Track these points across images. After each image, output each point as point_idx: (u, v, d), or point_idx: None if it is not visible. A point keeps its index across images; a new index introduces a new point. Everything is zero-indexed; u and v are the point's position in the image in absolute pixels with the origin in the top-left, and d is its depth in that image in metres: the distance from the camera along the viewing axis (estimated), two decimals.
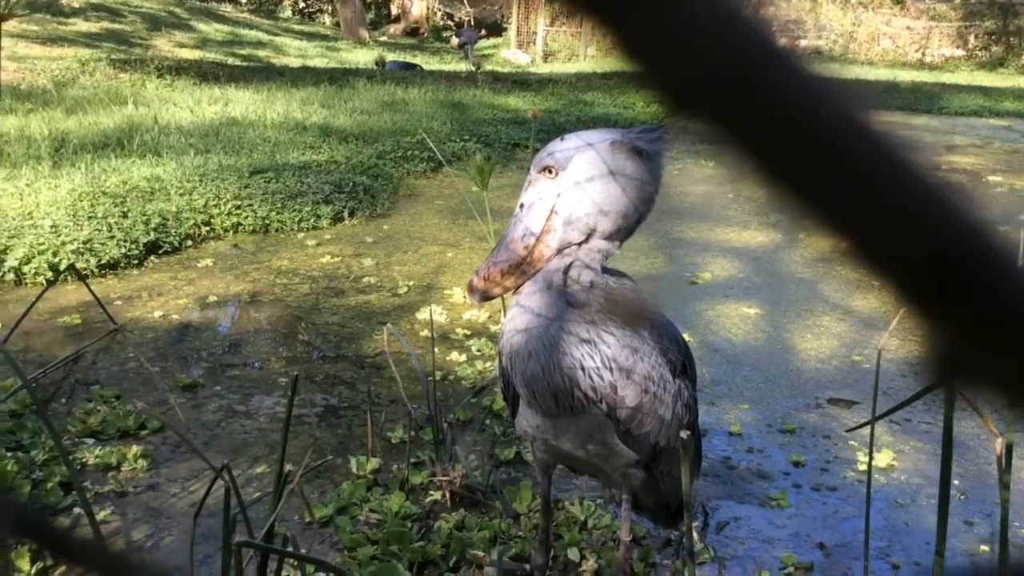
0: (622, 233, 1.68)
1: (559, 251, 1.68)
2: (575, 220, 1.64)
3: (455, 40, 23.18)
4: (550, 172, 1.66)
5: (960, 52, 24.94)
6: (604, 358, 1.68)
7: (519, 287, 1.73)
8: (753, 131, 0.24)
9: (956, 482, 3.00)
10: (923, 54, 24.98)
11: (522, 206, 1.70)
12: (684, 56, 0.23)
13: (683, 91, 0.24)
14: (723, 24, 0.23)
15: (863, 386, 3.75)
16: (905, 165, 0.24)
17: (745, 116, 0.24)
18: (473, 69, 16.02)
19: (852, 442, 3.27)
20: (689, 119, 0.24)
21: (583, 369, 1.67)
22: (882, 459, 3.13)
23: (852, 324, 4.51)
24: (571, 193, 1.64)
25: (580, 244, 1.67)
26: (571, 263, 1.69)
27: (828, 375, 3.89)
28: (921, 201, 0.24)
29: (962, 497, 2.93)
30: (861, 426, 3.11)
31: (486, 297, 1.74)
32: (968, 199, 0.25)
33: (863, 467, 3.08)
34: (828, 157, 0.24)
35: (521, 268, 1.69)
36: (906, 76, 18.83)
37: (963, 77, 20.72)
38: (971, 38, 25.00)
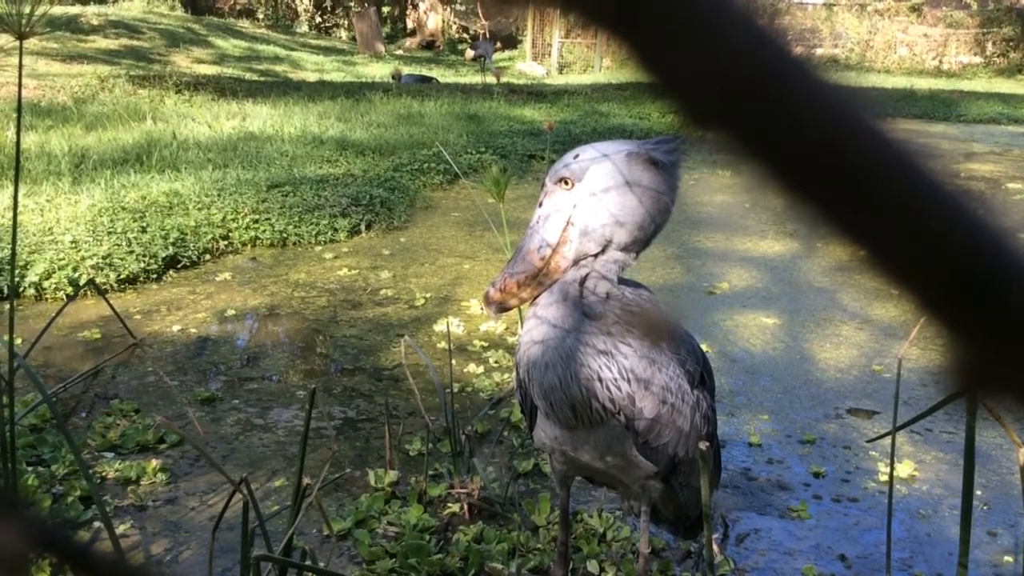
0: (638, 244, 1.68)
1: (575, 262, 1.68)
2: (591, 231, 1.64)
3: (470, 52, 23.26)
4: (566, 183, 1.66)
5: (978, 59, 24.79)
6: (622, 369, 1.67)
7: (536, 298, 1.73)
8: (769, 142, 0.24)
9: (979, 492, 2.97)
10: (940, 61, 24.85)
11: (538, 218, 1.70)
12: (699, 68, 0.23)
13: (698, 103, 0.24)
14: (738, 36, 0.23)
15: (883, 396, 3.72)
16: (923, 174, 0.24)
17: (761, 128, 0.24)
18: (496, 80, 16.06)
19: (873, 452, 3.25)
20: (705, 130, 0.24)
21: (600, 380, 1.67)
22: (903, 469, 3.11)
23: (872, 333, 4.48)
24: (587, 204, 1.64)
25: (596, 255, 1.67)
26: (587, 274, 1.69)
27: (848, 385, 3.86)
28: (939, 210, 0.24)
29: (985, 508, 2.90)
30: (882, 436, 3.09)
31: (502, 308, 1.75)
32: (987, 207, 0.25)
33: (884, 478, 3.05)
34: (844, 167, 0.24)
35: (537, 279, 1.69)
36: (923, 84, 18.74)
37: (981, 84, 20.61)
38: (989, 45, 24.85)
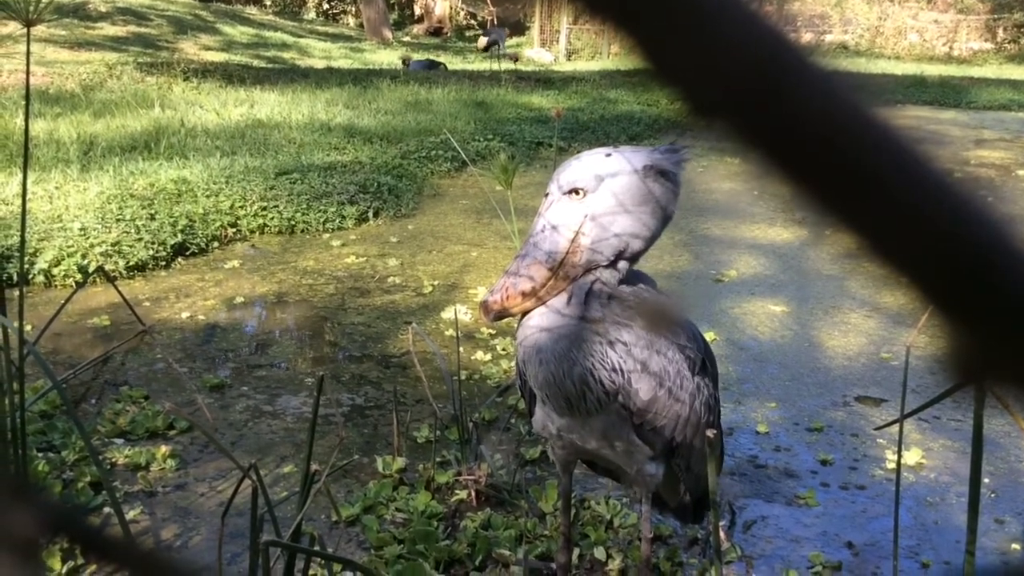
0: (643, 253, 1.69)
1: (585, 272, 1.66)
2: (605, 243, 1.63)
3: (483, 40, 23.14)
4: (577, 193, 1.64)
5: (988, 45, 24.63)
6: (617, 360, 1.66)
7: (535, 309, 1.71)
8: (771, 134, 0.24)
9: (986, 480, 2.97)
10: (951, 48, 24.69)
11: (544, 226, 1.68)
12: (701, 59, 0.23)
13: (701, 93, 0.24)
14: (740, 28, 0.23)
15: (891, 383, 3.72)
16: (925, 164, 0.24)
17: (762, 119, 0.24)
18: (513, 62, 15.99)
19: (880, 440, 3.25)
20: (709, 120, 0.24)
21: (594, 377, 1.66)
22: (911, 457, 3.10)
23: (880, 321, 4.47)
24: (602, 216, 1.62)
25: (607, 266, 1.66)
26: (594, 283, 1.67)
27: (856, 373, 3.85)
28: (945, 200, 0.24)
29: (992, 495, 2.90)
30: (889, 424, 3.08)
31: (501, 317, 1.73)
32: (996, 194, 0.25)
33: (892, 465, 3.05)
34: (845, 158, 0.24)
35: (538, 295, 1.68)
36: (933, 70, 18.62)
37: (992, 70, 20.47)
38: (1000, 31, 24.69)
